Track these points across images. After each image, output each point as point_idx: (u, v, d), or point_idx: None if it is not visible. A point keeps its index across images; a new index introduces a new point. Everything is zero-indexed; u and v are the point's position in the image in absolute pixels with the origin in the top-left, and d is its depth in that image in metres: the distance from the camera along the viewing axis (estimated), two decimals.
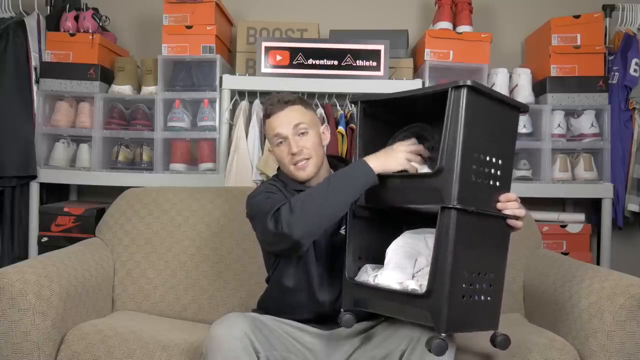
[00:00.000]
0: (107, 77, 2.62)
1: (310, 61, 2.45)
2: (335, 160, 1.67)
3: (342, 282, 1.41)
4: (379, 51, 2.44)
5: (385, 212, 1.43)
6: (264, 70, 2.46)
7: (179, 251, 1.96)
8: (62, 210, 2.52)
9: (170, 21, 2.54)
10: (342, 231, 1.50)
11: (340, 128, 2.39)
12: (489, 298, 1.28)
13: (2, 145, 2.46)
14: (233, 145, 2.42)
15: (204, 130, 2.51)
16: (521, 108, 1.36)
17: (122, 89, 2.58)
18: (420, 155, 1.40)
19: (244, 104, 2.48)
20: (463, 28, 2.55)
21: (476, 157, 1.23)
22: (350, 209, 1.39)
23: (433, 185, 1.23)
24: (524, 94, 2.56)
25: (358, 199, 1.39)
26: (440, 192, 1.21)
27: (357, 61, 2.45)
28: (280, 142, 1.54)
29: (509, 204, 1.30)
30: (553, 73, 2.54)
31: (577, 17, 2.57)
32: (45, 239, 2.52)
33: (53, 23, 2.64)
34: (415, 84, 2.47)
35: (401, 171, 1.35)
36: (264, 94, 2.48)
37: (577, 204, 2.75)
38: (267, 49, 2.46)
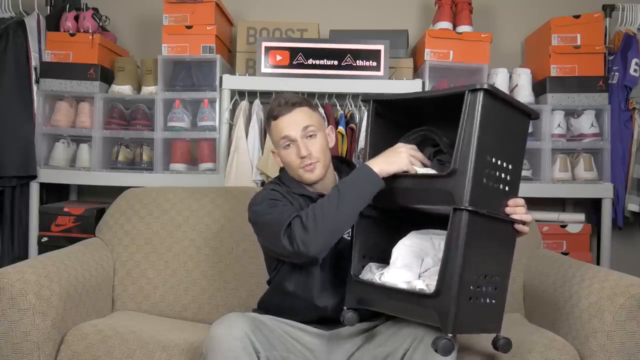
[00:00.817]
0: (107, 77, 2.62)
1: (310, 61, 2.45)
2: (337, 162, 1.66)
3: (344, 287, 1.41)
4: (379, 51, 2.44)
5: (392, 212, 1.43)
6: (264, 70, 2.46)
7: (179, 251, 1.96)
8: (62, 210, 2.52)
9: (170, 21, 2.54)
10: (346, 236, 1.49)
11: (340, 128, 2.39)
12: (493, 301, 1.29)
13: (2, 145, 2.46)
14: (233, 145, 2.42)
15: (204, 130, 2.51)
16: (532, 115, 1.36)
17: (122, 89, 2.58)
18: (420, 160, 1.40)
19: (244, 104, 2.48)
20: (463, 28, 2.55)
21: (489, 160, 1.23)
22: None
23: (445, 187, 1.23)
24: (524, 94, 2.56)
25: None
26: (451, 194, 1.21)
27: (357, 61, 2.45)
28: (288, 145, 1.51)
29: (517, 209, 1.31)
30: (553, 73, 2.54)
31: (577, 17, 2.57)
32: (45, 239, 2.51)
33: (53, 23, 2.64)
34: (415, 84, 2.47)
35: (404, 172, 1.35)
36: (264, 94, 2.48)
37: (577, 204, 2.75)
38: (267, 49, 2.46)
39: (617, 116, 2.57)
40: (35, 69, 2.56)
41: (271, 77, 2.45)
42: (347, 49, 2.45)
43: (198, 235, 1.98)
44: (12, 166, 2.47)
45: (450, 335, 1.18)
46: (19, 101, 2.51)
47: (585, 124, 2.53)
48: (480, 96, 1.20)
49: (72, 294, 1.60)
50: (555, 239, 2.52)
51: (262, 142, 2.43)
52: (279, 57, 2.46)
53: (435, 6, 2.66)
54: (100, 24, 2.67)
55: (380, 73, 2.44)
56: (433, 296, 1.21)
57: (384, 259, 1.40)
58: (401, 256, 1.35)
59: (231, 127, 2.49)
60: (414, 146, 1.41)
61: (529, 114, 1.36)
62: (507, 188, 1.30)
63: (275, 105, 1.53)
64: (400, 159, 1.35)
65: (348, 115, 2.48)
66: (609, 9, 2.69)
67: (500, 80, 2.56)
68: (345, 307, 1.40)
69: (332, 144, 1.60)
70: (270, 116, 1.54)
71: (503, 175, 1.28)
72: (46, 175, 2.56)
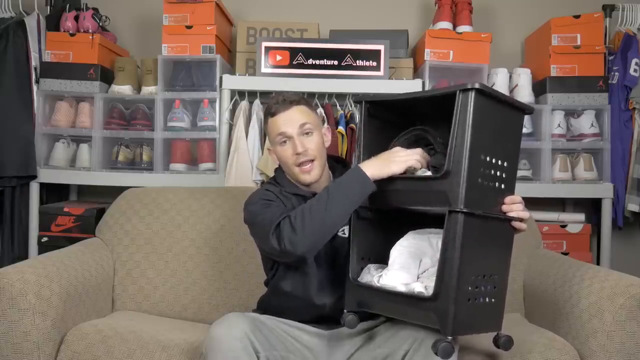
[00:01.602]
0: (107, 77, 2.62)
1: (310, 61, 2.45)
2: (333, 162, 1.66)
3: (343, 284, 1.41)
4: (379, 51, 2.44)
5: (389, 212, 1.43)
6: (264, 70, 2.46)
7: (179, 251, 1.96)
8: (62, 210, 2.52)
9: (170, 21, 2.54)
10: (341, 234, 1.49)
11: (340, 128, 2.39)
12: (493, 300, 1.29)
13: (2, 145, 2.46)
14: (233, 145, 2.42)
15: (204, 130, 2.51)
16: (526, 110, 1.36)
17: (122, 89, 2.58)
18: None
19: (244, 104, 2.48)
20: (463, 28, 2.55)
21: (482, 159, 1.23)
22: (354, 211, 1.39)
23: (439, 188, 1.22)
24: (524, 94, 2.56)
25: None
26: (446, 195, 1.20)
27: (357, 61, 2.45)
28: (284, 142, 1.52)
29: (514, 206, 1.30)
30: (553, 73, 2.54)
31: (577, 17, 2.57)
32: (45, 239, 2.52)
33: (53, 23, 2.64)
34: (415, 84, 2.47)
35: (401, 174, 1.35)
36: (264, 94, 2.48)
37: (577, 204, 2.75)
38: (267, 49, 2.46)
39: (617, 116, 2.57)
40: (35, 69, 2.56)
41: (271, 77, 2.45)
42: (347, 49, 2.45)
43: (198, 235, 1.98)
44: (12, 166, 2.47)
45: (450, 337, 1.18)
46: (19, 101, 2.51)
47: (585, 124, 2.53)
48: (472, 96, 1.19)
49: (72, 294, 1.60)
50: (555, 239, 2.52)
51: (262, 142, 2.43)
52: (279, 57, 2.46)
53: (435, 6, 2.66)
54: (100, 24, 2.67)
55: (380, 73, 2.44)
56: (432, 299, 1.20)
57: (383, 260, 1.39)
58: (399, 258, 1.35)
59: (231, 127, 2.49)
60: (420, 150, 1.40)
61: (522, 110, 1.35)
62: (502, 186, 1.29)
63: (273, 102, 1.54)
64: (395, 163, 1.33)
65: (348, 115, 2.48)
66: (609, 9, 2.69)
67: (500, 80, 2.56)
68: (345, 310, 1.40)
69: (327, 144, 1.60)
70: (268, 113, 1.55)
71: (498, 173, 1.27)
72: (46, 175, 2.56)
